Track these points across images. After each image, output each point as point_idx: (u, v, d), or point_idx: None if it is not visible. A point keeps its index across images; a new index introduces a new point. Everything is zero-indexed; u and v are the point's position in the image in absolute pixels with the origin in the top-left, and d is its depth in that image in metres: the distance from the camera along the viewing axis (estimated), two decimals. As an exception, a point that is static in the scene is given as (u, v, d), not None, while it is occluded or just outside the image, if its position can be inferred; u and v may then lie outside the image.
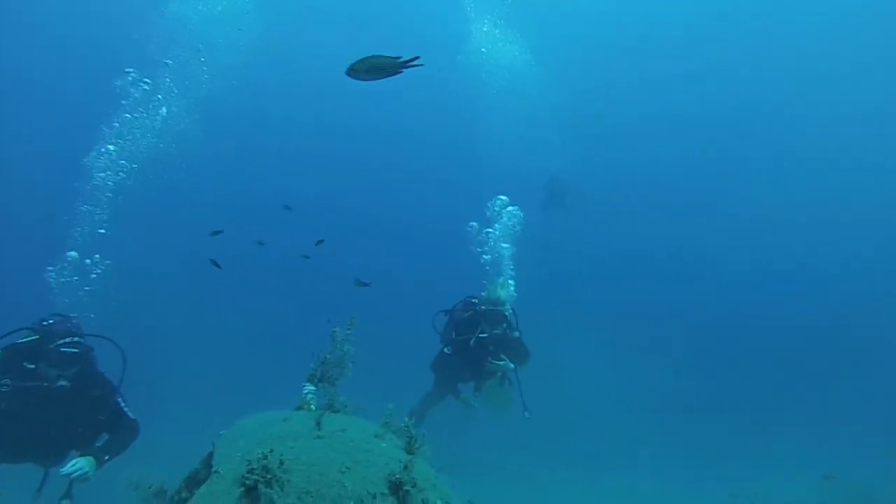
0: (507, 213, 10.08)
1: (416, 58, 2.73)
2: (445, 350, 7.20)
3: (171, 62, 13.10)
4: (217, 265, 5.72)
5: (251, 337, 15.63)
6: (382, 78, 2.81)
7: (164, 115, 11.91)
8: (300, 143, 25.32)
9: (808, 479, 10.19)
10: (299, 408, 3.71)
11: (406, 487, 2.39)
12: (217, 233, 5.71)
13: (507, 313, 7.09)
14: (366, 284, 5.35)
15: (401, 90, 26.84)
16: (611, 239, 23.75)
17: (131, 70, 11.40)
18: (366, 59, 2.74)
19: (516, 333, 7.16)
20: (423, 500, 2.45)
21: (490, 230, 9.82)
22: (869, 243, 25.06)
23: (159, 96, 12.13)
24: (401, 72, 2.80)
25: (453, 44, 22.01)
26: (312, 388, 3.81)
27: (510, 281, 7.64)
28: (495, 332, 7.00)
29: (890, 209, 25.80)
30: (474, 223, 9.89)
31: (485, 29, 20.66)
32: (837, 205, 26.04)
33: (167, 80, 12.66)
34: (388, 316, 15.68)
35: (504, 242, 9.67)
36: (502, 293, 7.13)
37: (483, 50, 20.87)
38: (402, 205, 25.17)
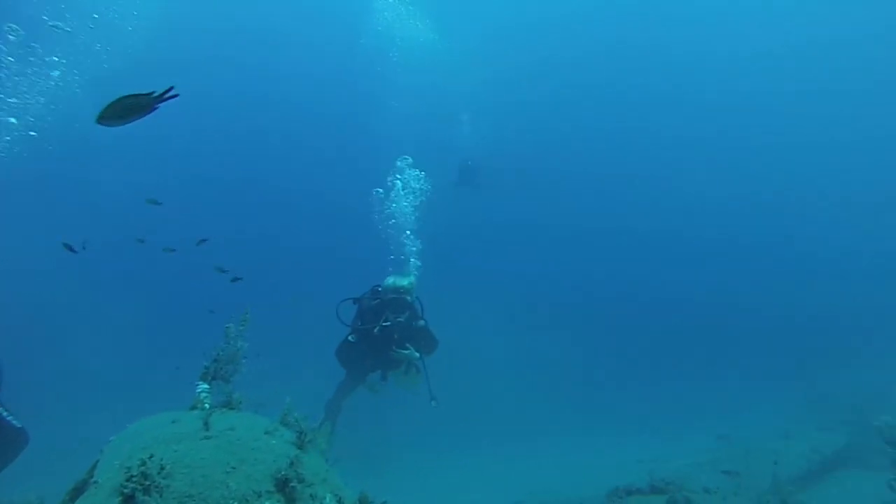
0: (413, 175, 10.13)
1: (171, 88, 2.63)
2: (350, 338, 7.21)
3: (60, 25, 12.17)
4: (72, 249, 5.39)
5: (146, 335, 14.93)
6: (137, 119, 2.67)
7: (56, 78, 11.11)
8: (199, 124, 24.27)
9: (705, 441, 10.98)
10: (193, 407, 3.62)
11: (292, 483, 2.40)
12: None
13: (410, 300, 7.15)
14: (238, 278, 5.21)
15: (305, 71, 26.20)
16: (520, 217, 24.33)
17: (15, 27, 10.51)
18: (116, 101, 2.59)
19: (421, 322, 7.24)
20: (311, 495, 2.46)
21: (395, 184, 9.82)
22: (750, 211, 26.89)
23: (54, 58, 11.29)
24: (156, 108, 2.67)
25: (356, 19, 21.72)
26: (206, 386, 3.72)
27: (413, 272, 7.66)
28: (399, 319, 7.05)
29: (764, 180, 27.77)
30: (380, 189, 9.87)
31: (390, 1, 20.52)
32: (722, 181, 27.70)
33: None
34: (295, 303, 15.46)
35: (406, 200, 9.71)
36: (405, 282, 7.18)
37: (386, 23, 20.74)
38: (305, 187, 24.73)
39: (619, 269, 23.70)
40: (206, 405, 3.59)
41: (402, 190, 9.88)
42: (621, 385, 14.35)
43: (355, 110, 25.42)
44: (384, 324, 6.99)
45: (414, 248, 9.16)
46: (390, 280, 7.19)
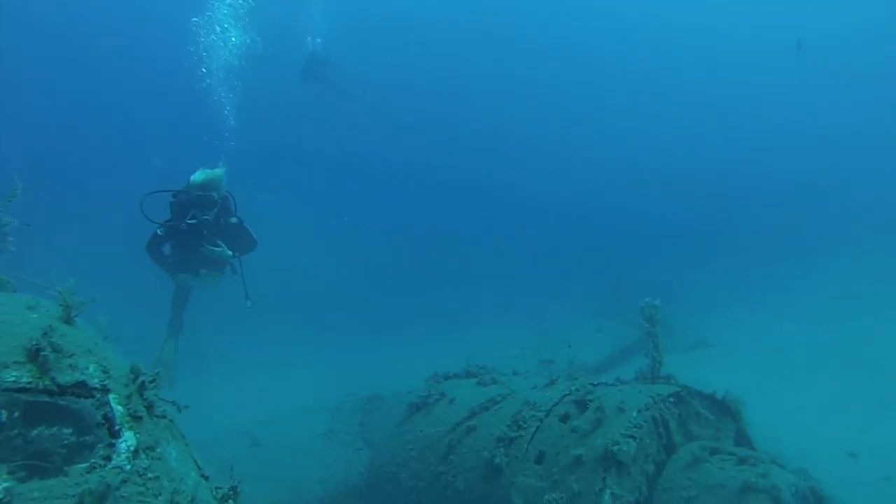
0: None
1: None
2: (158, 231, 6.89)
3: None
4: None
5: None
6: None
7: None
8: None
9: (528, 335, 11.99)
10: (-50, 287, 3.25)
11: (45, 353, 2.24)
12: None
13: (217, 197, 6.88)
14: None
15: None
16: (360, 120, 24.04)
17: None
18: None
19: (233, 219, 7.03)
20: (71, 366, 2.33)
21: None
22: (566, 114, 28.71)
23: None
24: None
25: None
26: (-33, 266, 3.35)
27: (223, 165, 7.24)
28: (205, 217, 6.80)
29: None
30: (196, 18, 9.16)
31: None
32: (537, 92, 29.05)
33: None
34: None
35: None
36: (212, 175, 6.86)
37: None
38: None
39: (450, 178, 24.50)
40: (-32, 286, 3.24)
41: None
42: (449, 290, 15.17)
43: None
44: (189, 221, 6.70)
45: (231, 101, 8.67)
46: (197, 175, 6.83)
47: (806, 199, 21.46)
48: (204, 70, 8.96)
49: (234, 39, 9.40)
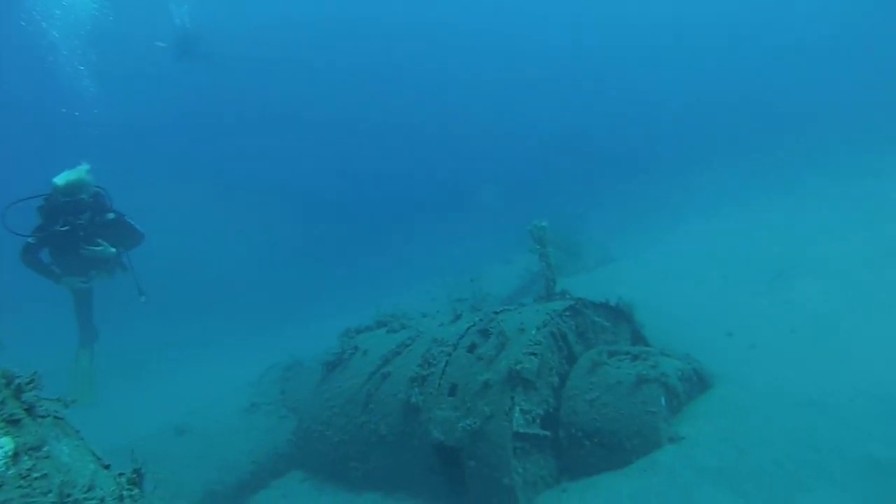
0: None
1: None
2: (29, 240, 6.54)
3: None
4: None
5: None
6: None
7: None
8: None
9: (443, 281, 12.21)
10: None
11: None
12: None
13: (87, 199, 6.53)
14: None
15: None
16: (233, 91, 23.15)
17: None
18: None
19: (111, 215, 6.72)
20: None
21: None
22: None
23: None
24: None
25: None
26: None
27: (85, 164, 6.79)
28: (78, 222, 6.48)
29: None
30: None
31: None
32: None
33: None
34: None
35: None
36: (73, 177, 6.47)
37: None
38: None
39: (339, 148, 24.21)
40: None
41: None
42: (362, 258, 15.22)
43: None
44: (61, 229, 6.37)
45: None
46: (59, 179, 6.43)
47: (693, 123, 22.80)
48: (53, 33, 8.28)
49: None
